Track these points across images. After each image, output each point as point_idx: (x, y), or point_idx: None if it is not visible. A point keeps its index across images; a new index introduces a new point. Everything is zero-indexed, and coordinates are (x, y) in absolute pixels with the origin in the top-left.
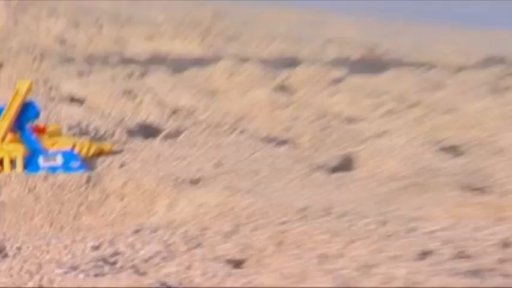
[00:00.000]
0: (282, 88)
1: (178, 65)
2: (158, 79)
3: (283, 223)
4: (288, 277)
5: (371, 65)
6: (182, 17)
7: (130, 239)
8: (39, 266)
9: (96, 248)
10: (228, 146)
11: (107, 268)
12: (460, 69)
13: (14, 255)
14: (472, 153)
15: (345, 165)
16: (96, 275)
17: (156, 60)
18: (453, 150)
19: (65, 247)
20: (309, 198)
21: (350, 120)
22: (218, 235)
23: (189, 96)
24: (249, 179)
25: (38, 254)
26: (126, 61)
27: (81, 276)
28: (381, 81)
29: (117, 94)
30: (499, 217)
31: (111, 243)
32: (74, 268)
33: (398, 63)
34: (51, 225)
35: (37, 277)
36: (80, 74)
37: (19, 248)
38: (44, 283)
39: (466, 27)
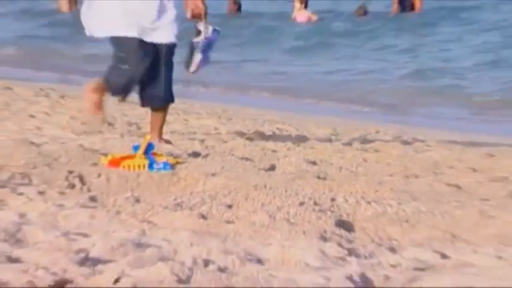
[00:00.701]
0: (249, 139)
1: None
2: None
3: (247, 190)
4: (251, 211)
5: None
6: (211, 109)
7: (189, 196)
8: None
9: (175, 199)
10: (227, 161)
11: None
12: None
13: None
14: (321, 164)
15: (272, 168)
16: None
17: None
18: (313, 163)
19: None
20: (257, 180)
21: (274, 151)
22: (224, 195)
23: (212, 141)
24: (235, 174)
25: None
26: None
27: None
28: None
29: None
30: (331, 190)
31: (182, 197)
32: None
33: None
34: (158, 191)
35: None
36: None
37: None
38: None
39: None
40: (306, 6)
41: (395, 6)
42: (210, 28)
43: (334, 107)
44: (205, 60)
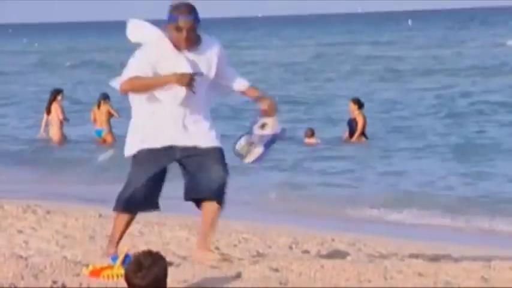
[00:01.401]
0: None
1: None
2: (174, 246)
3: None
4: None
5: None
6: (183, 221)
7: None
8: None
9: None
10: (197, 270)
11: None
12: None
13: None
14: (282, 271)
15: (238, 276)
16: None
17: None
18: (275, 270)
19: None
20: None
21: (240, 259)
22: None
23: (184, 251)
24: (204, 281)
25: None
26: None
27: None
28: None
29: None
30: None
31: None
32: None
33: None
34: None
35: None
36: None
37: None
38: None
39: None
40: None
41: (346, 134)
42: (280, 125)
43: (294, 218)
44: (264, 155)
